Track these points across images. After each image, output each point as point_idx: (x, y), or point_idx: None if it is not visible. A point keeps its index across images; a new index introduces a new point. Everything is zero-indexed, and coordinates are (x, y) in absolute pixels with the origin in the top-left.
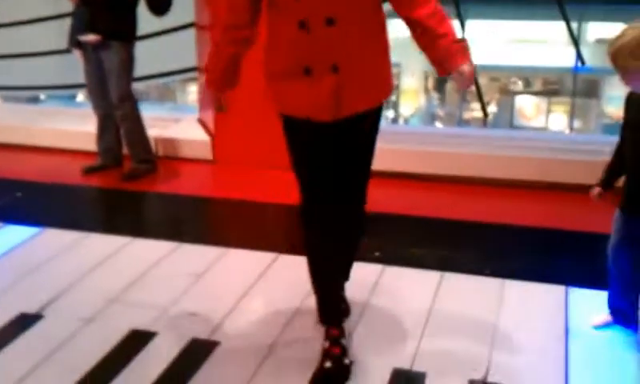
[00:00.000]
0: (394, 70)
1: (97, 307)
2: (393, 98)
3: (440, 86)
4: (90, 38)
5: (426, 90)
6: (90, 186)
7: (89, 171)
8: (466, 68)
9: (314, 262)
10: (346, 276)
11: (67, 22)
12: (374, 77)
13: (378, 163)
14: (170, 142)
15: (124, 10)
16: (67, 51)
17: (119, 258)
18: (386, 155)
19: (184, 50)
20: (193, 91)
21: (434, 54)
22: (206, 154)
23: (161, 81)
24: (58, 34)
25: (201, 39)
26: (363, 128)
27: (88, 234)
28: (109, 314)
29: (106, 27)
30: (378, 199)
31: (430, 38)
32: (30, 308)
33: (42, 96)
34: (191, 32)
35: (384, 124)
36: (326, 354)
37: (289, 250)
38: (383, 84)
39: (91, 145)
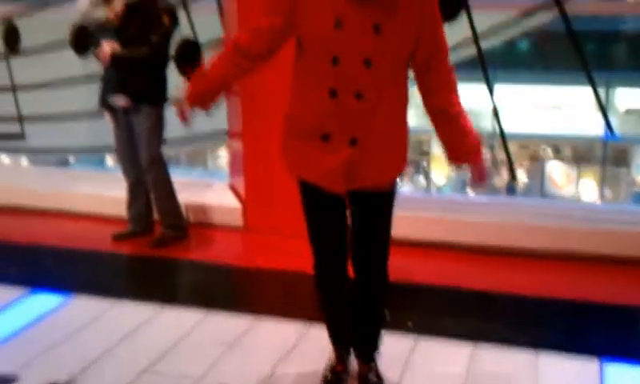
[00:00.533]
0: (425, 137)
1: (128, 378)
2: (424, 164)
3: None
4: (120, 100)
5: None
6: (120, 252)
7: (119, 238)
8: (483, 164)
9: (329, 323)
10: (373, 345)
11: (97, 84)
12: (391, 153)
13: (409, 231)
14: (200, 208)
15: (154, 72)
16: (97, 114)
17: (150, 327)
18: (418, 223)
19: (214, 113)
20: (223, 156)
21: (453, 145)
22: (237, 220)
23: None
24: (87, 96)
25: (232, 103)
26: (377, 201)
27: (118, 301)
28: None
29: (135, 90)
30: (410, 268)
31: (452, 130)
32: (61, 377)
33: (72, 159)
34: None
35: (415, 192)
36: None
37: (316, 319)
38: (399, 160)
39: (121, 210)
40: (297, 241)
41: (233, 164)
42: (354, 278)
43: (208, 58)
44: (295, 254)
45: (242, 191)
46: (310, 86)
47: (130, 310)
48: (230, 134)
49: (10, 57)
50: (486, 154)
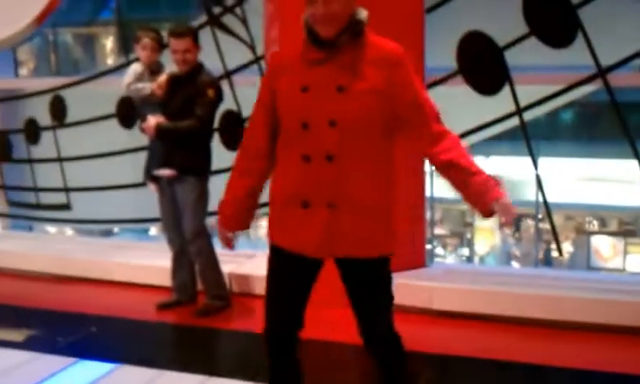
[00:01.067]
0: (468, 207)
1: None
2: (467, 235)
3: (516, 224)
4: (165, 172)
5: (502, 229)
6: (164, 322)
7: (163, 307)
8: (504, 200)
9: None
10: None
11: (143, 156)
12: (373, 221)
13: (452, 303)
14: (243, 279)
15: (198, 145)
16: (142, 184)
17: None
18: (460, 295)
19: None
20: (265, 226)
21: (470, 190)
22: None
23: None
24: (133, 167)
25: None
26: (365, 270)
27: (163, 371)
28: None
29: (180, 162)
30: (452, 341)
31: (464, 176)
32: None
33: (116, 229)
34: None
35: (458, 263)
36: None
37: None
38: (383, 231)
39: (165, 280)
40: (339, 311)
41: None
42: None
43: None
44: (337, 325)
45: None
46: (287, 155)
47: (175, 380)
48: None
49: (57, 128)
50: (529, 226)
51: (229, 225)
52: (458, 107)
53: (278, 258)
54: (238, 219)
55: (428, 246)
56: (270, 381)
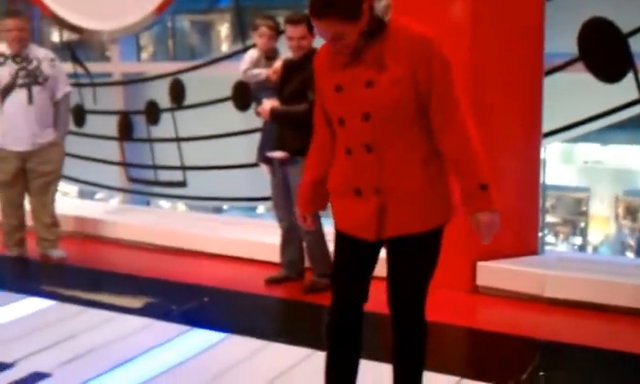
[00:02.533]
0: (583, 195)
1: None
2: (581, 224)
3: (633, 214)
4: (278, 154)
5: (617, 218)
6: (272, 296)
7: (271, 282)
8: (482, 216)
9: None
10: None
11: (256, 138)
12: (418, 203)
13: (564, 291)
14: None
15: (310, 128)
16: (254, 165)
17: (301, 370)
18: (572, 284)
19: None
20: None
21: (459, 190)
22: (384, 272)
23: None
24: (246, 148)
25: None
26: (410, 245)
27: (270, 343)
28: None
29: (292, 144)
30: (563, 329)
31: (455, 174)
32: None
33: (225, 207)
34: None
35: (571, 251)
36: None
37: (470, 375)
38: (430, 210)
39: (274, 256)
40: (444, 292)
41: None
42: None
43: None
44: (443, 306)
45: None
46: (337, 150)
47: (282, 351)
48: None
49: (176, 110)
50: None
51: (303, 206)
52: (578, 94)
53: (342, 241)
54: (310, 202)
55: (539, 234)
56: (328, 349)
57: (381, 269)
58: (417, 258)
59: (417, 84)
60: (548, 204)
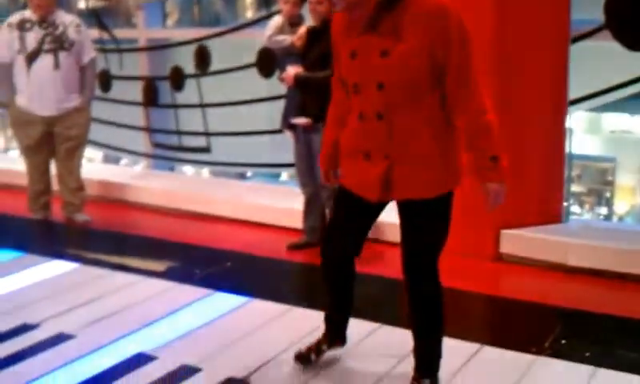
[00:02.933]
0: (609, 165)
1: (302, 379)
2: (607, 194)
3: None
4: (301, 121)
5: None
6: (294, 261)
7: (293, 247)
8: (492, 187)
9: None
10: (425, 361)
11: (280, 104)
12: (426, 169)
13: (587, 260)
14: (377, 225)
15: None
16: (278, 131)
17: (321, 333)
18: (597, 252)
19: None
20: None
21: (469, 160)
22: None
23: None
24: (270, 114)
25: None
26: (420, 209)
27: (292, 307)
28: None
29: (316, 111)
30: (585, 297)
31: (467, 145)
32: (237, 373)
33: (249, 173)
34: None
35: (598, 221)
36: None
37: (492, 342)
38: (437, 177)
39: (296, 222)
40: (468, 260)
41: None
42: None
43: None
44: (466, 273)
45: None
46: (350, 113)
47: (303, 316)
48: None
49: (200, 76)
50: None
51: (327, 164)
52: (604, 62)
53: (344, 196)
54: (333, 159)
55: (564, 204)
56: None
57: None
58: (426, 223)
59: (433, 56)
60: (574, 174)
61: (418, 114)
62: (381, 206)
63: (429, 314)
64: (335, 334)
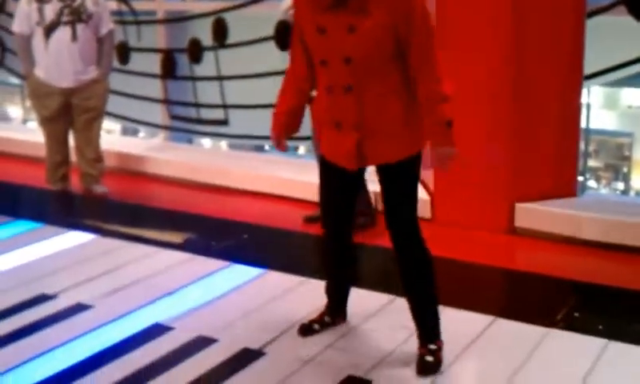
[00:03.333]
0: (626, 140)
1: (315, 350)
2: (624, 169)
3: None
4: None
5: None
6: (309, 233)
7: (309, 220)
8: (445, 150)
9: (326, 278)
10: (428, 325)
11: None
12: (395, 136)
13: (600, 233)
14: None
15: None
16: None
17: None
18: (610, 226)
19: None
20: None
21: (425, 130)
22: (425, 212)
23: None
24: None
25: None
26: (396, 171)
27: (308, 279)
28: (327, 357)
29: None
30: (604, 271)
31: (425, 112)
32: (254, 344)
33: (267, 146)
34: None
35: (612, 195)
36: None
37: (505, 315)
38: (408, 140)
39: (312, 195)
40: (482, 233)
41: (423, 158)
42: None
43: None
44: (480, 246)
45: (430, 184)
46: (319, 86)
47: (319, 287)
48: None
49: (218, 49)
50: None
51: (279, 132)
52: (622, 37)
53: (326, 166)
54: (285, 128)
55: (580, 178)
56: (322, 261)
57: None
58: (402, 181)
59: (397, 32)
60: (590, 149)
61: (384, 87)
62: (360, 171)
63: (422, 278)
64: (337, 311)
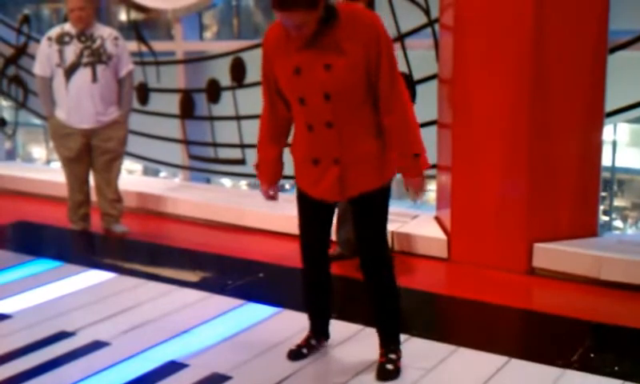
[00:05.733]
0: None
1: None
2: None
3: None
4: None
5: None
6: None
7: None
8: (415, 181)
9: (307, 303)
10: (389, 335)
11: None
12: (371, 166)
13: (620, 274)
14: (405, 238)
15: None
16: None
17: (353, 344)
18: (630, 266)
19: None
20: (431, 189)
21: (397, 163)
22: (442, 252)
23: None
24: None
25: (442, 136)
26: (369, 201)
27: None
28: None
29: None
30: (625, 313)
31: (393, 143)
32: (267, 382)
33: (287, 186)
34: (432, 129)
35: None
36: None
37: (520, 356)
38: (383, 168)
39: None
40: (499, 273)
41: (440, 197)
42: (363, 273)
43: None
44: (498, 286)
45: (447, 223)
46: (297, 124)
47: (334, 327)
48: (439, 168)
49: (236, 88)
50: None
51: (270, 181)
52: None
53: (303, 199)
54: (276, 175)
55: (605, 218)
56: (304, 289)
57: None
58: (375, 209)
59: (368, 63)
60: (616, 187)
61: (360, 119)
62: (335, 203)
63: (392, 301)
64: (320, 332)
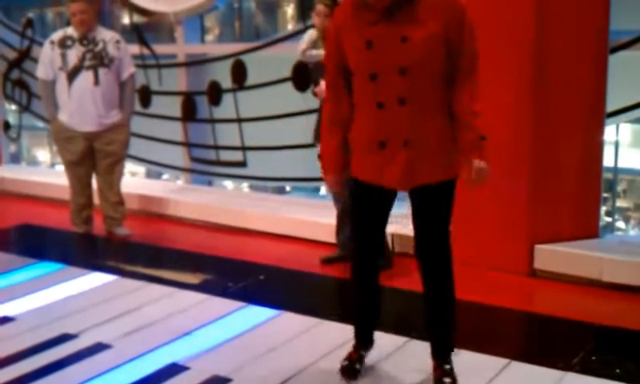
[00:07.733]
0: None
1: None
2: None
3: None
4: None
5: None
6: (326, 275)
7: (326, 261)
8: (480, 164)
9: (356, 307)
10: (444, 345)
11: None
12: (442, 152)
13: (623, 276)
14: (407, 239)
15: None
16: (312, 146)
17: (352, 346)
18: (632, 268)
19: None
20: None
21: (458, 145)
22: None
23: None
24: (305, 128)
25: None
26: (435, 193)
27: (323, 321)
28: None
29: None
30: (627, 315)
31: (460, 126)
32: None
33: (288, 188)
34: None
35: (636, 236)
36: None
37: (521, 358)
38: (453, 158)
39: (330, 236)
40: (501, 275)
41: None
42: (422, 278)
43: None
44: (499, 288)
45: None
46: (362, 104)
47: (334, 329)
48: None
49: (237, 91)
50: None
51: (338, 172)
52: None
53: (362, 195)
54: (344, 165)
55: (608, 219)
56: (355, 295)
57: None
58: (442, 205)
59: (448, 42)
60: (619, 188)
61: (433, 98)
62: (394, 196)
63: (450, 310)
64: (366, 339)
